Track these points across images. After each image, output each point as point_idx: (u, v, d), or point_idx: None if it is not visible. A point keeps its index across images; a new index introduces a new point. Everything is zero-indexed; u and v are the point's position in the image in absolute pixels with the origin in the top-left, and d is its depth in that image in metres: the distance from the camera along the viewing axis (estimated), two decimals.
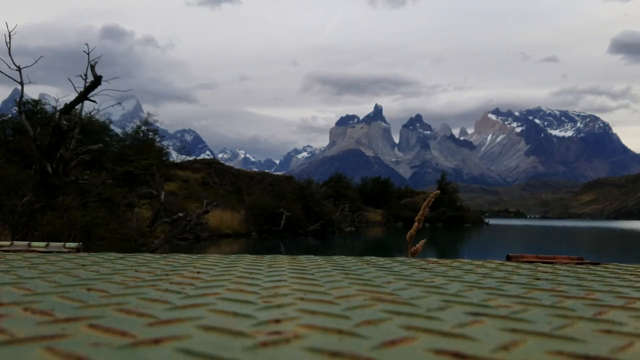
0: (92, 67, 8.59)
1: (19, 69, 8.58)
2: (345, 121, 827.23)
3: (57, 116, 8.30)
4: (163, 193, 13.47)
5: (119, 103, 10.18)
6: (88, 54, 8.70)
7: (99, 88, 8.60)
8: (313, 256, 1.33)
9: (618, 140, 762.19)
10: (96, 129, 18.95)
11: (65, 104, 8.50)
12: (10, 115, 19.24)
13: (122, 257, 1.22)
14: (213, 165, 32.81)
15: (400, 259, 1.29)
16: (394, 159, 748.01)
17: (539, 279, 0.91)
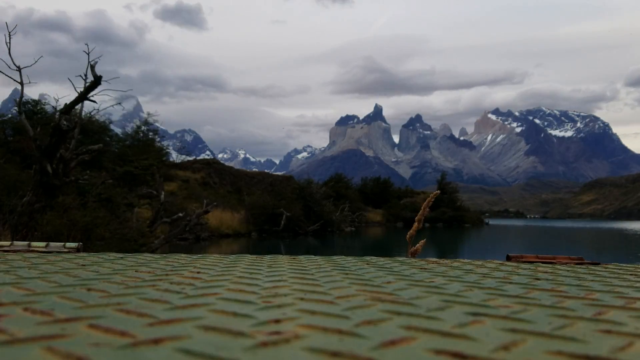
0: (92, 67, 8.60)
1: (19, 69, 8.58)
2: (345, 121, 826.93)
3: (57, 116, 8.30)
4: (163, 193, 13.48)
5: (119, 103, 10.19)
6: (88, 54, 8.70)
7: (99, 88, 8.61)
8: (313, 256, 1.33)
9: (618, 140, 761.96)
10: (96, 129, 18.97)
11: (65, 104, 8.50)
12: (10, 115, 19.27)
13: (122, 257, 1.22)
14: (213, 165, 32.83)
15: (400, 259, 1.29)
16: (394, 159, 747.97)
17: (539, 279, 0.91)
